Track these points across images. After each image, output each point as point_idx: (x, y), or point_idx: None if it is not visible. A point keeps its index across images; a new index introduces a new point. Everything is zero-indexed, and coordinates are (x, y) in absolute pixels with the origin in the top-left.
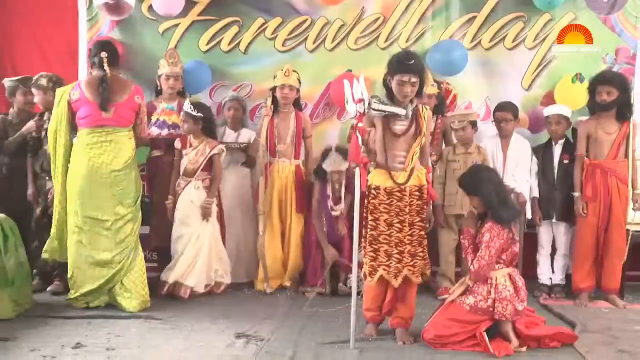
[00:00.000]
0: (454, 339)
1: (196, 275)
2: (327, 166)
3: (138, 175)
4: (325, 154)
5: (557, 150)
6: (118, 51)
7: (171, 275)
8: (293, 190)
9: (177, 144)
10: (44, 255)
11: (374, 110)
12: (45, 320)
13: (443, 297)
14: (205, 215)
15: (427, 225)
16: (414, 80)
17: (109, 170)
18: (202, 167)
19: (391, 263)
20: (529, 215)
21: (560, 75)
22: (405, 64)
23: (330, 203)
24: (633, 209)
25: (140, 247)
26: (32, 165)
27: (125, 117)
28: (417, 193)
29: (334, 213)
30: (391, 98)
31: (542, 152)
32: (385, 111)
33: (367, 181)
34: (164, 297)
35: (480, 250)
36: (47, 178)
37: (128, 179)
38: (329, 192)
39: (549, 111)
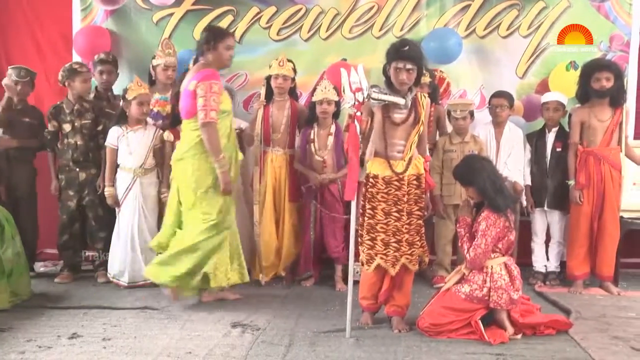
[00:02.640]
0: (449, 327)
1: None
2: (316, 95)
3: (201, 163)
4: (315, 89)
5: (551, 137)
6: (213, 34)
7: None
8: (286, 179)
9: (170, 136)
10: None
11: (373, 99)
12: (42, 310)
13: (438, 285)
14: None
15: (425, 214)
16: (409, 66)
17: (174, 160)
18: None
19: (388, 252)
20: (524, 203)
21: (555, 62)
22: (400, 51)
23: (314, 146)
24: None
25: (226, 231)
26: (54, 160)
27: (183, 107)
28: (415, 182)
29: (317, 158)
30: (390, 87)
31: (535, 140)
32: (384, 100)
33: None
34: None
35: (476, 239)
36: (78, 169)
37: (185, 168)
38: (312, 136)
39: (547, 97)
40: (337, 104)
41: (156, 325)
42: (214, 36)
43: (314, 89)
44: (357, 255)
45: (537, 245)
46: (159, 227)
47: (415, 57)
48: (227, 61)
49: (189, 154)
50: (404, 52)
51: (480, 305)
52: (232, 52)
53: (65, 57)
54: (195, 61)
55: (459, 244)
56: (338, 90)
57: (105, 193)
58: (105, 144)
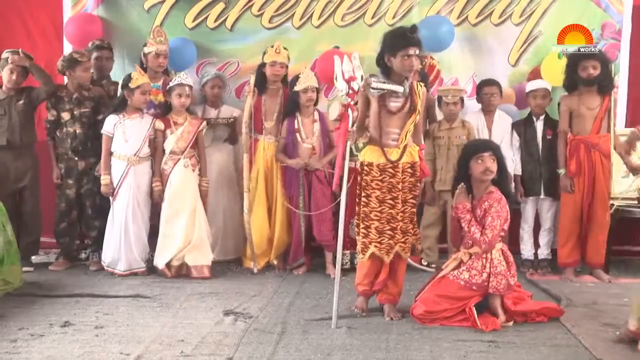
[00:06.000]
0: (443, 315)
1: (204, 253)
2: (299, 85)
3: None
4: (295, 79)
5: (539, 125)
6: None
7: (173, 258)
8: (278, 167)
9: (160, 125)
10: None
11: (374, 89)
12: (33, 298)
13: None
14: (204, 195)
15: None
16: (418, 52)
17: None
18: (190, 144)
19: (383, 239)
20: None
21: (547, 50)
22: (409, 37)
23: (301, 136)
24: None
25: None
26: (54, 148)
27: None
28: (409, 170)
29: (305, 145)
30: (388, 75)
31: (524, 128)
32: (384, 89)
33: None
34: (153, 275)
35: (490, 219)
36: (77, 159)
37: None
38: (297, 125)
39: (533, 85)
40: (318, 91)
41: (148, 313)
42: None
43: (293, 80)
44: (346, 243)
45: (526, 233)
46: (151, 217)
47: (421, 42)
48: None
49: None
50: (414, 38)
51: (478, 292)
52: None
53: (55, 44)
54: None
55: (466, 229)
56: (318, 78)
57: (102, 181)
58: (102, 131)
